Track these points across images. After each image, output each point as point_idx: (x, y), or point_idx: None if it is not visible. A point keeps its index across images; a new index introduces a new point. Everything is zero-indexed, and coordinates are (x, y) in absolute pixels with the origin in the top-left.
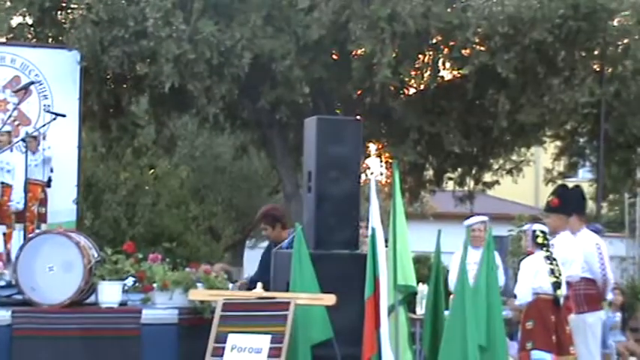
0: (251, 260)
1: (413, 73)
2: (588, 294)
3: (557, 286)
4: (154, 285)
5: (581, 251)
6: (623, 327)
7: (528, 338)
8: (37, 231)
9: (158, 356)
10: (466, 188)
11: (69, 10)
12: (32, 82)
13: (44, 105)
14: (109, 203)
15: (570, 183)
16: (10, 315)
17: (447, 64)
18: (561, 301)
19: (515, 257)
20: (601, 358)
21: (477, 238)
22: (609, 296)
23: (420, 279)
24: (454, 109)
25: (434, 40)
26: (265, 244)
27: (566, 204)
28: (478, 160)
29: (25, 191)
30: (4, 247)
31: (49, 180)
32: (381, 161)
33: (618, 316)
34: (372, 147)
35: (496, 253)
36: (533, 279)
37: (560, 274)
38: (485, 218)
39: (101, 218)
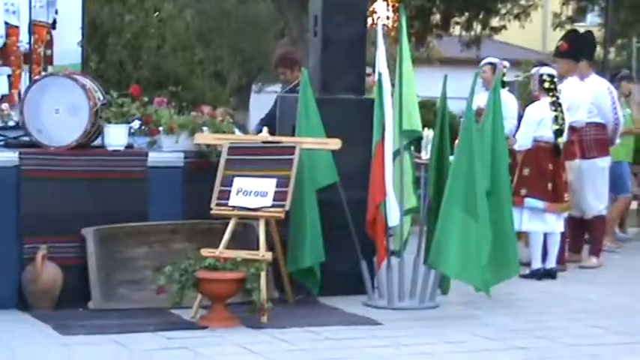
0: (257, 105)
1: None
2: (598, 139)
3: (559, 133)
4: (160, 128)
5: (588, 96)
6: None
7: (523, 185)
8: (44, 73)
9: (164, 198)
10: (473, 33)
11: None
12: None
13: None
14: (114, 46)
15: (579, 28)
16: (17, 156)
17: None
18: (561, 148)
19: (521, 102)
20: (611, 202)
21: (485, 80)
22: (617, 141)
23: (426, 124)
24: None
25: None
26: (271, 88)
27: (576, 49)
28: (486, 4)
29: (30, 32)
30: (9, 89)
31: (54, 22)
32: (388, 5)
33: None
34: None
35: (512, 97)
36: (535, 127)
37: (563, 121)
38: (494, 60)
39: (106, 61)
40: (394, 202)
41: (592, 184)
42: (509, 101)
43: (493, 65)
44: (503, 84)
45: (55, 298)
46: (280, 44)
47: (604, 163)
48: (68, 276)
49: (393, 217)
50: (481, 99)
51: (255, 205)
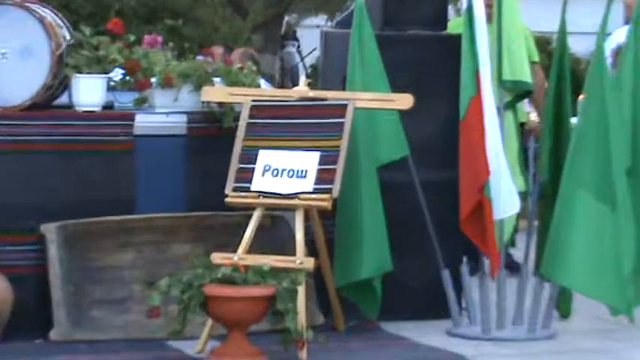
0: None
1: None
2: None
3: None
4: (153, 80)
5: None
6: None
7: None
8: None
9: (158, 181)
10: None
11: None
12: None
13: None
14: None
15: None
16: None
17: None
18: None
19: None
20: None
21: (627, 8)
22: None
23: None
24: None
25: None
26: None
27: None
28: None
29: None
30: None
31: None
32: None
33: None
34: None
35: None
36: None
37: None
38: None
39: None
40: (508, 183)
41: None
42: None
43: None
44: None
45: (2, 324)
46: None
47: None
48: (21, 293)
49: (507, 204)
50: (621, 35)
51: (290, 190)
